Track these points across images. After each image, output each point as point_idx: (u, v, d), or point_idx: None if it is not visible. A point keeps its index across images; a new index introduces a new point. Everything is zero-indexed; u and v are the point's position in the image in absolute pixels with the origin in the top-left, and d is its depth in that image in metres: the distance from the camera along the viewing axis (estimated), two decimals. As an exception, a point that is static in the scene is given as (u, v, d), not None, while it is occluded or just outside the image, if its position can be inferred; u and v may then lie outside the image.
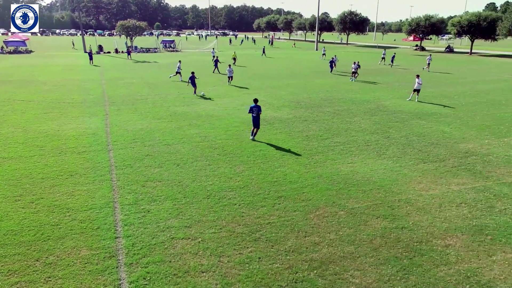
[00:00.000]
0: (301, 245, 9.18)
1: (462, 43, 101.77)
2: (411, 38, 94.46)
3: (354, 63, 37.17)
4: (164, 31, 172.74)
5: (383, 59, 53.90)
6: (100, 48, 69.34)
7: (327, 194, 11.90)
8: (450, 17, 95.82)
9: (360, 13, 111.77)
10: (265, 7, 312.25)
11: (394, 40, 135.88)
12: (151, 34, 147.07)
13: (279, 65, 52.10)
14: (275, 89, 31.30)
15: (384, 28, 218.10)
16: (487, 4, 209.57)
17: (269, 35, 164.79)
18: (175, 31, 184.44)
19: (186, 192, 11.96)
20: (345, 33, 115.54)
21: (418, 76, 26.87)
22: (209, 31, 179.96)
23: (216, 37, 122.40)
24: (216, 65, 41.65)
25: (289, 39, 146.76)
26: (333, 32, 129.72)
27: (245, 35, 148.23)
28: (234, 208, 10.93)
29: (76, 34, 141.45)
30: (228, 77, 33.41)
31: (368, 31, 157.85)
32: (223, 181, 12.83)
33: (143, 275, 8.10)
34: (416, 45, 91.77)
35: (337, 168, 14.03)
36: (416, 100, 26.47)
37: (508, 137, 18.06)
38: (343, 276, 8.10)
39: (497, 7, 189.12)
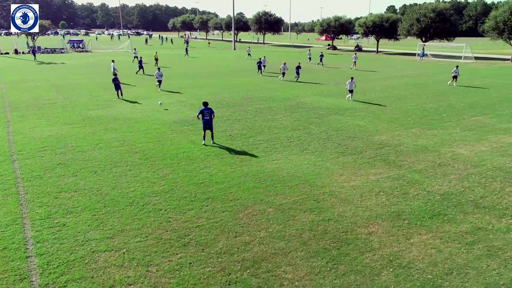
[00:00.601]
0: (232, 245, 9.08)
1: (369, 42, 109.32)
2: (323, 37, 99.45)
3: (284, 64, 37.73)
4: (71, 31, 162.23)
5: (310, 59, 55.62)
6: (-4, 48, 63.02)
7: (254, 192, 11.95)
8: (357, 18, 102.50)
9: (274, 14, 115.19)
10: (180, 7, 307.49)
11: (308, 39, 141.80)
12: (56, 33, 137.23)
13: (198, 64, 51.59)
14: (196, 89, 30.88)
15: (298, 28, 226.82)
16: (388, 7, 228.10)
17: (185, 34, 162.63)
18: (84, 31, 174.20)
19: (106, 200, 11.24)
20: (261, 33, 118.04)
21: (352, 78, 27.31)
22: (121, 31, 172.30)
23: (129, 37, 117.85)
24: (141, 66, 40.13)
25: (206, 38, 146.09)
26: (249, 32, 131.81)
27: (160, 35, 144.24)
28: (160, 214, 10.50)
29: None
30: (158, 81, 30.28)
31: (283, 31, 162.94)
32: (146, 186, 12.28)
33: (62, 295, 7.41)
34: (329, 45, 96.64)
35: (263, 166, 14.17)
36: (351, 99, 26.81)
37: (415, 128, 19.69)
38: (276, 272, 8.15)
39: (397, 10, 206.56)
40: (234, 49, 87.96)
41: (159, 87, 30.34)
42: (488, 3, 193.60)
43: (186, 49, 67.89)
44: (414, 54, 67.58)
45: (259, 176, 13.18)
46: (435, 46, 70.65)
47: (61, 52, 68.03)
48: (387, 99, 27.67)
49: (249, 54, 62.28)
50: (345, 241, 9.32)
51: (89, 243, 9.09)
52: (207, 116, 16.31)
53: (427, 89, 32.19)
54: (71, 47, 74.66)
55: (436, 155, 15.46)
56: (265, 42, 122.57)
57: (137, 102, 25.42)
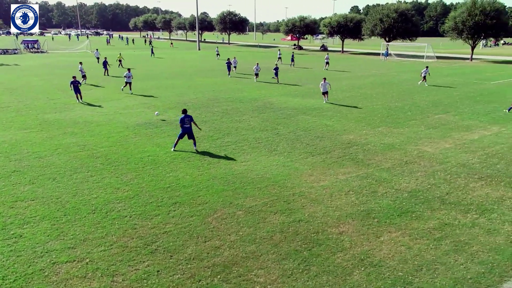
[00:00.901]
0: (202, 251, 8.94)
1: (334, 42, 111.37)
2: (289, 37, 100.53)
3: (257, 64, 37.50)
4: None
5: (280, 59, 55.71)
6: None
7: (223, 195, 11.85)
8: (322, 18, 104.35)
9: (239, 14, 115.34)
10: (141, 6, 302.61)
11: (274, 39, 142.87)
12: (8, 33, 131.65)
13: (162, 65, 50.85)
14: (160, 90, 30.40)
15: (263, 28, 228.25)
16: (352, 7, 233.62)
17: (147, 34, 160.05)
18: (39, 30, 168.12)
19: (67, 209, 10.82)
20: (226, 33, 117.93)
21: (324, 79, 26.57)
22: (79, 31, 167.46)
23: (87, 37, 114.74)
24: (105, 67, 39.22)
25: (169, 38, 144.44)
26: (214, 32, 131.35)
27: (120, 35, 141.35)
28: (125, 221, 10.21)
29: None
30: (127, 82, 28.85)
31: (248, 31, 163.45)
32: (110, 192, 11.93)
33: (20, 311, 7.05)
34: (294, 44, 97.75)
35: (231, 168, 14.09)
36: (325, 101, 26.26)
37: (382, 126, 20.17)
38: (247, 277, 8.08)
39: (360, 10, 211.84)
40: (199, 49, 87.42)
41: (130, 88, 28.99)
42: (447, 4, 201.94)
43: (152, 49, 66.79)
44: (378, 54, 69.44)
45: (227, 179, 13.09)
46: (399, 46, 72.92)
47: (14, 53, 65.35)
48: (353, 98, 28.22)
49: (217, 54, 61.96)
50: (316, 242, 9.38)
51: (49, 254, 8.71)
52: (187, 124, 15.64)
53: (392, 88, 33.10)
54: (25, 48, 71.85)
55: (402, 153, 15.88)
56: (230, 42, 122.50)
57: (99, 105, 24.73)
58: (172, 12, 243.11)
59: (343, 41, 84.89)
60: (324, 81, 26.29)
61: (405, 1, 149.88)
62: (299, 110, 24.01)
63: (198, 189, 12.25)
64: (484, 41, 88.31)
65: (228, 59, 42.18)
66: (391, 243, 9.35)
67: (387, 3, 79.75)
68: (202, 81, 36.35)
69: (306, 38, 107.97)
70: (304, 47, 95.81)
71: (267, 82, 35.64)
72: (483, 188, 12.50)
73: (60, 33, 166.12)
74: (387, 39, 72.82)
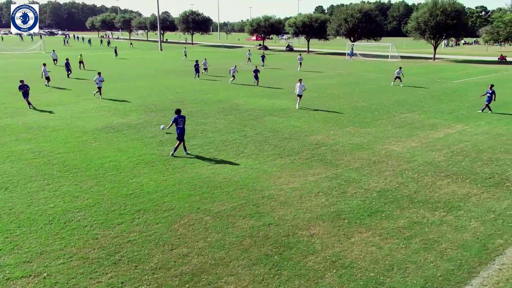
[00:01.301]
0: (169, 259, 8.75)
1: (300, 42, 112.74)
2: (254, 37, 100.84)
3: (235, 66, 37.05)
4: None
5: (249, 60, 55.48)
6: None
7: (190, 200, 11.67)
8: (287, 18, 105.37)
9: (202, 13, 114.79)
10: (98, 5, 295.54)
11: (238, 39, 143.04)
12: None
13: (123, 66, 49.76)
14: (121, 93, 29.72)
15: (227, 28, 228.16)
16: (317, 7, 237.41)
17: (105, 34, 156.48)
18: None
19: (21, 220, 10.33)
20: (189, 33, 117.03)
21: (300, 80, 25.36)
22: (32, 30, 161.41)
23: (41, 37, 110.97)
24: (68, 69, 38.13)
25: (129, 39, 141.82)
26: (176, 32, 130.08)
27: (74, 35, 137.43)
28: (86, 231, 9.85)
29: None
30: (98, 87, 27.50)
31: (212, 31, 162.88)
32: (68, 201, 11.50)
33: (-30, 333, 6.64)
34: (259, 45, 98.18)
35: (198, 172, 13.91)
36: (297, 107, 24.81)
37: (349, 126, 20.52)
38: (217, 284, 7.97)
39: (325, 10, 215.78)
40: (161, 49, 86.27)
41: (100, 94, 27.60)
42: (409, 4, 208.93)
43: (116, 50, 65.28)
44: (344, 54, 70.82)
45: (194, 183, 12.91)
46: (364, 46, 74.67)
47: (-40, 55, 62.20)
48: (321, 98, 28.59)
49: (185, 55, 61.39)
50: (287, 245, 9.38)
51: (2, 269, 8.27)
52: (180, 124, 15.41)
53: (358, 88, 33.80)
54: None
55: (371, 153, 16.20)
56: (193, 42, 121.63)
57: (54, 109, 23.87)
58: (131, 11, 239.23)
59: (308, 41, 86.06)
60: (300, 83, 25.07)
61: (368, 2, 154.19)
62: (266, 111, 24.07)
63: (163, 195, 12.02)
64: (445, 41, 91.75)
65: (197, 61, 40.26)
66: (362, 244, 9.48)
67: (351, 3, 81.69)
68: (165, 83, 35.84)
69: (271, 38, 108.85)
70: (269, 47, 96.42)
71: (226, 83, 35.54)
72: (450, 186, 12.92)
73: (10, 33, 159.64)
74: (352, 39, 74.44)
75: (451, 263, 8.69)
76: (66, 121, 20.89)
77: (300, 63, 49.13)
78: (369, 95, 30.29)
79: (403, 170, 14.34)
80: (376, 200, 11.84)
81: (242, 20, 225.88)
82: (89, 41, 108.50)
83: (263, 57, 52.65)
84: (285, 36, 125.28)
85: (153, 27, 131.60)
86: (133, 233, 9.82)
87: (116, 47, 69.59)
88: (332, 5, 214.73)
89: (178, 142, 15.64)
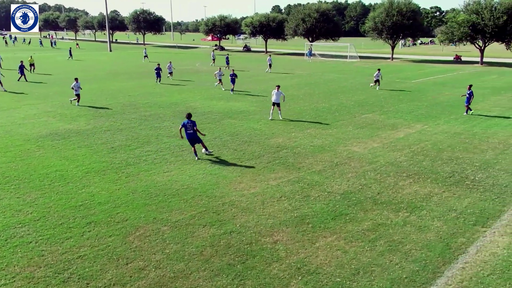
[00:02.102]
0: (124, 274, 8.45)
1: (257, 43, 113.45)
2: (210, 38, 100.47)
3: (219, 69, 36.02)
4: None
5: (214, 61, 54.71)
6: None
7: (145, 210, 11.37)
8: (243, 18, 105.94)
9: (154, 12, 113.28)
10: (40, 2, 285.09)
11: (193, 40, 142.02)
12: None
13: (70, 68, 48.08)
14: (66, 97, 28.67)
15: (181, 28, 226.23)
16: (273, 6, 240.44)
17: (48, 35, 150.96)
18: None
19: (-45, 238, 9.68)
20: (141, 33, 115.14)
21: (278, 87, 22.82)
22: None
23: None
24: (22, 72, 36.41)
25: (75, 39, 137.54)
26: (126, 32, 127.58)
27: (9, 35, 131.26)
28: (30, 248, 9.36)
29: None
30: (76, 94, 25.76)
31: (165, 31, 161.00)
32: (9, 215, 10.90)
33: None
34: (216, 45, 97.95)
35: (153, 180, 13.61)
36: (280, 117, 22.76)
37: (310, 128, 20.78)
38: (177, 299, 7.78)
39: (282, 10, 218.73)
40: (110, 50, 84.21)
41: (78, 101, 25.91)
42: (366, 4, 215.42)
43: (70, 51, 63.00)
44: (302, 54, 71.93)
45: (149, 192, 12.61)
46: (322, 46, 76.22)
47: None
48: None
49: (145, 56, 60.44)
50: (250, 254, 9.31)
51: None
52: (190, 129, 15.45)
53: (318, 89, 34.38)
54: None
55: (333, 155, 16.46)
56: (145, 42, 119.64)
57: (-8, 115, 22.70)
58: (77, 10, 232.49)
59: (266, 41, 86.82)
60: (277, 89, 22.49)
61: (325, 1, 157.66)
62: (225, 114, 23.98)
63: (116, 205, 11.65)
64: (402, 41, 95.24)
65: (158, 64, 37.58)
66: (327, 248, 9.57)
67: (308, 3, 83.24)
68: (116, 85, 35.00)
69: (228, 38, 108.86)
70: (226, 48, 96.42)
71: (180, 85, 35.18)
72: (412, 186, 13.33)
73: None
74: (310, 39, 75.78)
75: (416, 264, 8.93)
76: (5, 128, 19.89)
77: (270, 65, 47.65)
78: (330, 95, 30.88)
79: (365, 171, 14.66)
80: (340, 203, 12.02)
81: (196, 20, 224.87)
82: (29, 42, 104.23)
83: (227, 58, 51.33)
84: (242, 36, 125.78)
85: (101, 26, 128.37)
86: (83, 247, 9.43)
87: (70, 48, 67.18)
88: (289, 4, 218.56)
89: (192, 147, 15.83)
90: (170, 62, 40.37)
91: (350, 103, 27.74)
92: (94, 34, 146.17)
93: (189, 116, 15.91)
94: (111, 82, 37.33)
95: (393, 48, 67.40)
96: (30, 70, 42.71)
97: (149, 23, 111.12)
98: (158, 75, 36.71)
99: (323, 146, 17.68)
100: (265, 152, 16.80)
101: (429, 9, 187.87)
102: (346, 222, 10.86)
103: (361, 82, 38.75)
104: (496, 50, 68.57)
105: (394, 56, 68.10)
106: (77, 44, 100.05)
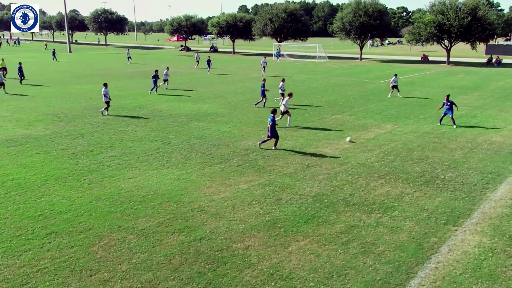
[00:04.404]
0: (88, 287, 8.19)
1: (224, 43, 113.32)
2: (175, 38, 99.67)
3: (167, 68, 35.54)
4: None
5: (198, 63, 53.67)
6: None
7: (110, 218, 11.09)
8: (209, 18, 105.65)
9: (116, 12, 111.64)
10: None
11: (158, 40, 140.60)
12: None
13: (28, 71, 46.47)
14: (25, 101, 27.80)
15: (145, 28, 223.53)
16: (240, 6, 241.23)
17: (3, 35, 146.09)
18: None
19: None
20: (102, 33, 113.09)
21: (290, 94, 22.13)
22: None
23: None
24: (21, 74, 35.45)
25: (32, 39, 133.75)
26: (87, 32, 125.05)
27: None
28: (-16, 262, 8.95)
29: None
30: (105, 102, 23.71)
31: (128, 31, 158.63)
32: (-39, 228, 10.40)
33: None
34: (181, 45, 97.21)
35: (118, 186, 13.30)
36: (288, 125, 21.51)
37: (280, 130, 20.68)
38: (145, 311, 7.59)
39: (249, 9, 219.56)
40: (70, 51, 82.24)
41: (107, 110, 24.09)
42: (333, 4, 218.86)
43: (54, 52, 61.05)
44: (271, 55, 72.25)
45: (114, 199, 12.31)
46: (291, 46, 76.83)
47: None
48: (249, 101, 28.82)
49: (129, 58, 59.63)
50: (221, 261, 9.21)
51: None
52: (270, 123, 17.10)
53: (288, 90, 34.45)
54: None
55: (303, 156, 16.55)
56: (107, 43, 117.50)
57: None
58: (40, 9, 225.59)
59: (233, 41, 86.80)
60: (289, 97, 21.76)
61: (293, 1, 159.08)
62: (192, 116, 23.76)
63: (78, 214, 11.30)
64: (371, 41, 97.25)
65: (156, 70, 33.13)
66: (300, 253, 9.57)
67: (275, 3, 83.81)
68: (77, 88, 34.18)
69: (194, 38, 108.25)
70: (192, 48, 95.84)
71: (145, 89, 34.69)
72: (384, 186, 13.54)
73: None
74: (278, 39, 76.27)
75: (390, 266, 9.05)
76: (-44, 135, 19.05)
77: (264, 67, 45.65)
78: (299, 96, 31.07)
79: (337, 172, 14.80)
80: (312, 205, 12.07)
81: (161, 20, 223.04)
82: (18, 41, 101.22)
83: (208, 61, 48.67)
84: (208, 37, 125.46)
85: (60, 26, 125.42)
86: (43, 260, 9.09)
87: (54, 49, 64.97)
88: (256, 4, 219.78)
89: (275, 139, 17.45)
90: (168, 68, 36.08)
91: (320, 104, 28.02)
92: (52, 35, 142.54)
93: (273, 111, 17.51)
94: (72, 85, 36.41)
95: (361, 48, 68.64)
96: (3, 74, 40.94)
97: (111, 23, 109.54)
98: (155, 83, 32.08)
99: (294, 147, 17.76)
100: (234, 155, 16.72)
101: (396, 9, 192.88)
102: (319, 225, 10.90)
103: (330, 82, 39.25)
104: (461, 50, 70.99)
105: (363, 56, 69.38)
106: (46, 45, 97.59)
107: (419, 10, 70.55)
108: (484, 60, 61.93)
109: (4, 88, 31.28)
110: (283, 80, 27.63)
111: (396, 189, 13.36)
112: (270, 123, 17.14)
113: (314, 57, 68.49)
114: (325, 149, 17.64)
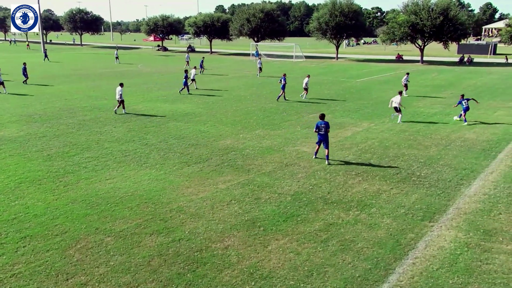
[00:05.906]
0: (64, 291, 7.98)
1: (202, 43, 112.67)
2: (152, 38, 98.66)
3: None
4: None
5: (188, 63, 52.63)
6: None
7: (87, 220, 10.85)
8: (186, 18, 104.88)
9: (91, 12, 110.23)
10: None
11: (134, 40, 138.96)
12: None
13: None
14: (-5, 102, 27.02)
15: (121, 27, 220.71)
16: (217, 6, 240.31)
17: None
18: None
19: None
20: (77, 33, 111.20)
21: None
22: None
23: None
24: (25, 75, 34.41)
25: (5, 39, 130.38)
26: (61, 32, 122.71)
27: None
28: (-45, 268, 8.63)
29: None
30: (121, 101, 23.55)
31: (104, 31, 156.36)
32: None
33: None
34: (158, 45, 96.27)
35: (94, 188, 13.03)
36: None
37: (259, 129, 20.81)
38: (123, 314, 7.43)
39: (226, 9, 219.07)
40: (45, 53, 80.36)
41: (123, 108, 24.11)
42: (309, 5, 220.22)
43: (45, 53, 59.39)
44: (248, 54, 72.29)
45: (90, 201, 12.06)
46: (268, 46, 76.97)
47: None
48: (227, 100, 28.71)
49: (116, 58, 58.89)
50: (200, 261, 9.11)
51: None
52: (322, 130, 15.38)
53: (265, 89, 34.59)
54: None
55: (282, 155, 16.55)
56: (83, 43, 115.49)
57: None
58: (6, 9, 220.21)
59: (211, 41, 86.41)
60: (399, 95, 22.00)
61: (270, 1, 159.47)
62: (169, 116, 23.51)
63: (54, 217, 11.03)
64: (346, 41, 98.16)
65: (186, 71, 32.65)
66: (280, 251, 9.54)
67: (252, 3, 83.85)
68: (52, 89, 33.45)
69: (171, 38, 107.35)
70: (169, 48, 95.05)
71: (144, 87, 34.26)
72: (361, 184, 13.64)
73: None
74: (255, 39, 76.26)
75: (368, 262, 9.11)
76: None
77: (260, 68, 45.05)
78: (276, 95, 31.10)
79: (315, 171, 14.84)
80: (291, 204, 12.07)
81: (137, 20, 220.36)
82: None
83: (201, 62, 47.75)
84: (185, 37, 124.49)
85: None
86: (17, 264, 8.82)
87: (46, 49, 63.24)
88: (233, 4, 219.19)
89: (318, 145, 15.88)
90: (195, 67, 36.02)
91: (297, 103, 28.10)
92: (26, 35, 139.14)
93: (322, 116, 15.81)
94: (47, 85, 35.60)
95: (337, 47, 69.24)
96: None
97: (86, 23, 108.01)
98: (186, 84, 31.38)
99: (272, 147, 17.74)
100: (213, 154, 16.60)
101: (371, 9, 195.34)
102: (298, 223, 10.90)
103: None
104: (434, 49, 72.29)
105: (339, 55, 70.01)
106: (28, 45, 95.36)
107: (393, 10, 71.50)
108: (457, 59, 63.23)
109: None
110: (308, 76, 29.33)
111: (373, 186, 13.47)
112: (327, 130, 15.48)
113: (291, 57, 68.73)
114: (303, 147, 17.68)
